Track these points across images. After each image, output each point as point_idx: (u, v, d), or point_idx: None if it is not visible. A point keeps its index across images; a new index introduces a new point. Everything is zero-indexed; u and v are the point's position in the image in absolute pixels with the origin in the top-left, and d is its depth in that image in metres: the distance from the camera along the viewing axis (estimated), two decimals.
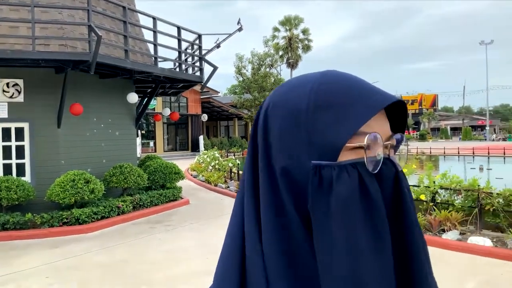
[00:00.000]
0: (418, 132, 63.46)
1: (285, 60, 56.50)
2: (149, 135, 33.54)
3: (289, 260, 0.59)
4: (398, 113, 0.67)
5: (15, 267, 6.15)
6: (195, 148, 32.21)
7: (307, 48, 57.30)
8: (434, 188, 7.86)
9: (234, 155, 27.22)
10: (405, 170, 6.21)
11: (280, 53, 56.49)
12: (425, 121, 73.52)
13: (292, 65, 57.45)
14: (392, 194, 0.60)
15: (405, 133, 0.68)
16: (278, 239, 0.59)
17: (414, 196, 8.12)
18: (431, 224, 7.23)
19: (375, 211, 0.56)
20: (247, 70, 35.00)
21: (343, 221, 0.55)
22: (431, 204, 7.72)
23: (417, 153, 29.29)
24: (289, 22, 56.14)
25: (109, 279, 5.66)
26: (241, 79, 34.78)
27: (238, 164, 15.98)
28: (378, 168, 0.58)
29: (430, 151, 29.94)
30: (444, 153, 30.18)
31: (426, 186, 7.98)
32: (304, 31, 56.93)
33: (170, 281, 5.51)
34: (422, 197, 7.84)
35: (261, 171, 0.62)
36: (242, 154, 30.36)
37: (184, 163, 20.19)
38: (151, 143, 32.85)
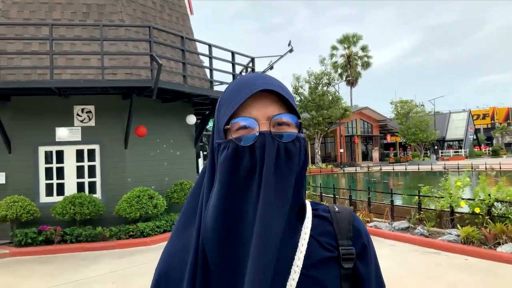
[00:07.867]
0: (490, 148, 59.93)
1: (344, 77, 56.03)
2: None
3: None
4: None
5: (85, 274, 6.83)
6: None
7: (366, 65, 56.59)
8: (489, 201, 7.67)
9: None
10: (459, 184, 6.14)
11: (339, 71, 56.21)
12: (498, 136, 69.52)
13: (352, 83, 56.91)
14: (260, 158, 0.79)
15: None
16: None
17: (469, 210, 7.96)
18: (486, 238, 7.07)
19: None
20: (304, 90, 35.36)
21: (221, 177, 0.82)
22: (487, 217, 7.52)
23: (485, 168, 27.89)
24: (347, 40, 55.83)
25: None
26: (298, 98, 35.19)
27: None
28: (252, 141, 0.79)
29: (500, 167, 28.36)
30: None
31: (481, 200, 7.81)
32: (363, 48, 56.28)
33: None
34: (477, 210, 7.67)
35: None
36: None
37: None
38: None
